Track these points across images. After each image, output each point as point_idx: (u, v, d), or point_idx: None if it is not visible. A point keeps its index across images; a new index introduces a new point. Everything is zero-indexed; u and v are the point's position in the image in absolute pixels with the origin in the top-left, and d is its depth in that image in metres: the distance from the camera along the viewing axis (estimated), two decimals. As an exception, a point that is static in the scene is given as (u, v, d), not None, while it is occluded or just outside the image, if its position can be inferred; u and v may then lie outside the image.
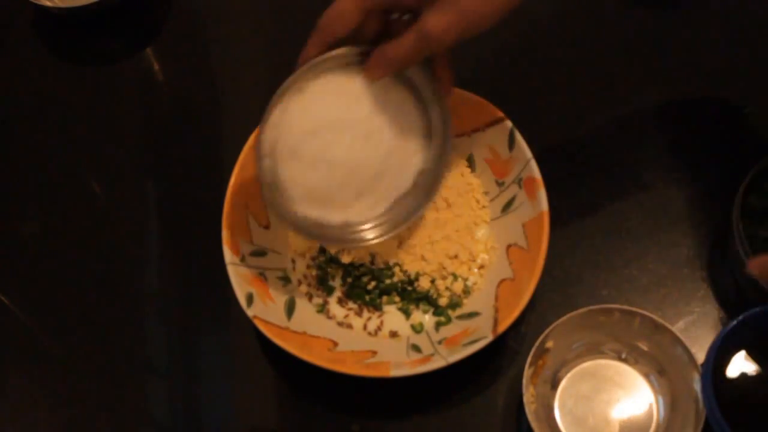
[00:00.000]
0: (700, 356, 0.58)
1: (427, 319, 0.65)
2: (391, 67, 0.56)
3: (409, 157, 0.61)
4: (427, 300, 0.65)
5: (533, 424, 0.56)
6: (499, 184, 0.67)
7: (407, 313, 0.65)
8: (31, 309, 0.70)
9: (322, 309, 0.66)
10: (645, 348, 0.60)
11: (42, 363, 0.67)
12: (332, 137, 0.58)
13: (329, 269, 0.67)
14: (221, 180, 0.66)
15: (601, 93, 0.74)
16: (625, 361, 0.61)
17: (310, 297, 0.66)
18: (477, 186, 0.68)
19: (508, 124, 0.65)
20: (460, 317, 0.64)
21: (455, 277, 0.66)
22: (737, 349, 0.56)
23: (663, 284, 0.66)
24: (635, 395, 0.60)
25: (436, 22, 0.52)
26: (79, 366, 0.67)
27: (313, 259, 0.67)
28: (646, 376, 0.61)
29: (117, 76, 0.80)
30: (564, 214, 0.67)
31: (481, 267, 0.66)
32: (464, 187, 0.68)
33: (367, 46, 0.56)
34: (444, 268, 0.66)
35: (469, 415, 0.62)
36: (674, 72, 0.75)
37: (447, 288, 0.65)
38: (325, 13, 0.55)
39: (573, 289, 0.66)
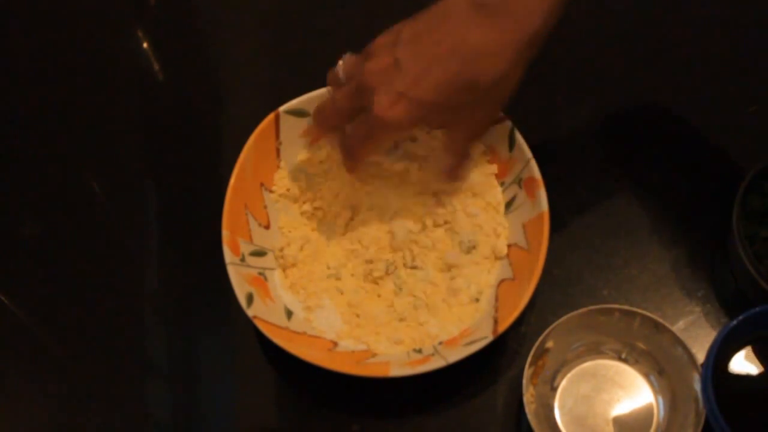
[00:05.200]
0: (700, 356, 0.58)
1: None
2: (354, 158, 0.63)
3: None
4: None
5: (533, 424, 0.56)
6: (499, 184, 0.67)
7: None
8: (31, 309, 0.70)
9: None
10: (645, 348, 0.60)
11: (42, 363, 0.67)
12: None
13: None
14: (221, 180, 0.66)
15: (601, 93, 0.74)
16: (625, 361, 0.61)
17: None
18: (477, 186, 0.68)
19: (508, 124, 0.65)
20: (461, 317, 0.64)
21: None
22: (737, 349, 0.56)
23: (663, 284, 0.66)
24: (635, 395, 0.60)
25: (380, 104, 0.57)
26: (79, 366, 0.67)
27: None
28: (646, 376, 0.61)
29: (117, 76, 0.80)
30: (564, 214, 0.67)
31: (482, 267, 0.66)
32: (464, 187, 0.69)
33: None
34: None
35: (469, 415, 0.62)
36: (675, 71, 0.75)
37: None
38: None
39: (573, 289, 0.66)
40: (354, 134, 0.62)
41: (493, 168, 0.66)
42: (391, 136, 0.61)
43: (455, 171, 0.64)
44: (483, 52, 0.56)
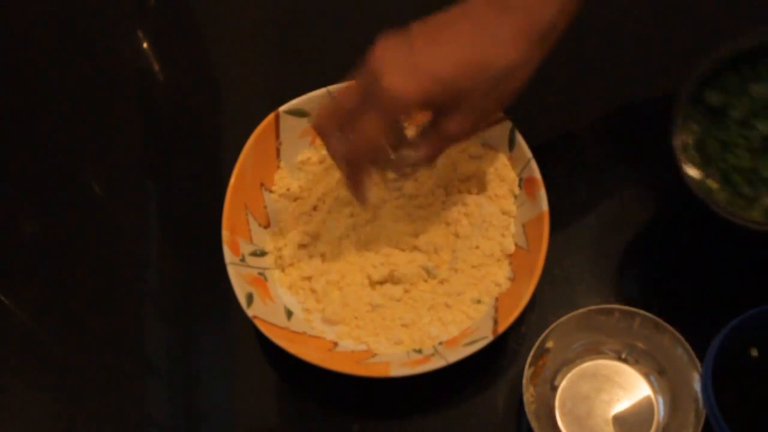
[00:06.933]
0: (700, 356, 0.58)
1: None
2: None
3: None
4: None
5: (533, 424, 0.56)
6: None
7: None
8: (31, 309, 0.70)
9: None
10: (645, 348, 0.60)
11: (42, 363, 0.67)
12: None
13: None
14: (221, 180, 0.66)
15: (601, 93, 0.74)
16: (625, 361, 0.61)
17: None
18: (477, 186, 0.68)
19: (508, 124, 0.65)
20: (461, 317, 0.64)
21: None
22: (737, 350, 0.56)
23: (663, 284, 0.66)
24: (635, 395, 0.60)
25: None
26: (79, 366, 0.67)
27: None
28: (646, 376, 0.61)
29: (117, 76, 0.80)
30: (564, 214, 0.67)
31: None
32: (464, 187, 0.69)
33: None
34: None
35: (469, 415, 0.62)
36: (675, 71, 0.75)
37: None
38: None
39: (573, 289, 0.66)
40: (363, 122, 0.56)
41: (513, 178, 0.66)
42: (398, 113, 0.57)
43: (433, 158, 0.61)
44: (497, 40, 0.56)
